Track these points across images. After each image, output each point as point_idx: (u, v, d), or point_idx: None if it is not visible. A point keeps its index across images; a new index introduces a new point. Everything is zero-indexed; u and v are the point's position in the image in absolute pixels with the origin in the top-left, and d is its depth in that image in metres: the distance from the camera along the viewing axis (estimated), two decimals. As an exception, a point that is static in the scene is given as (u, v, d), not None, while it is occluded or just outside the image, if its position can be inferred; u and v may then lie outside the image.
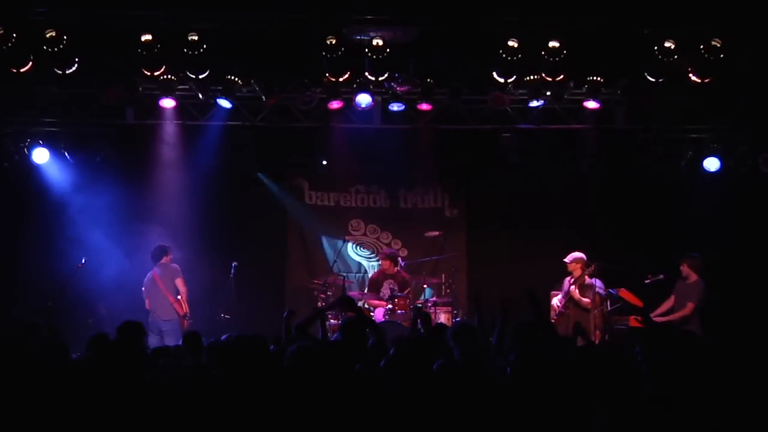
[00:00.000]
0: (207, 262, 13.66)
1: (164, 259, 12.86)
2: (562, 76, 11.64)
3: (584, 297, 12.60)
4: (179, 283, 12.77)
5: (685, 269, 12.41)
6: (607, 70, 11.85)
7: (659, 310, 12.50)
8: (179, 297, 12.71)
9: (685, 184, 13.81)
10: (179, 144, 13.68)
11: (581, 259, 12.76)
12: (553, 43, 11.28)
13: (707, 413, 4.88)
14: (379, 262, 14.26)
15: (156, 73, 11.59)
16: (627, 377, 5.30)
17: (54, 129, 13.33)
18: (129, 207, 13.69)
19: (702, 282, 12.29)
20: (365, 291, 13.97)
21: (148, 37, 11.16)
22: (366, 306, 13.07)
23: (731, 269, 13.08)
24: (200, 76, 11.69)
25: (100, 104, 12.70)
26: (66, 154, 13.50)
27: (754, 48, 11.44)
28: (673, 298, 12.49)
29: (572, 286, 12.70)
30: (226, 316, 12.89)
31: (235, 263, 13.18)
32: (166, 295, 12.69)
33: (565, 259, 12.84)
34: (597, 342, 12.07)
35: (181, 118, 13.29)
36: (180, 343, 8.91)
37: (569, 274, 12.81)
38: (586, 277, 12.61)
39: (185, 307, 12.72)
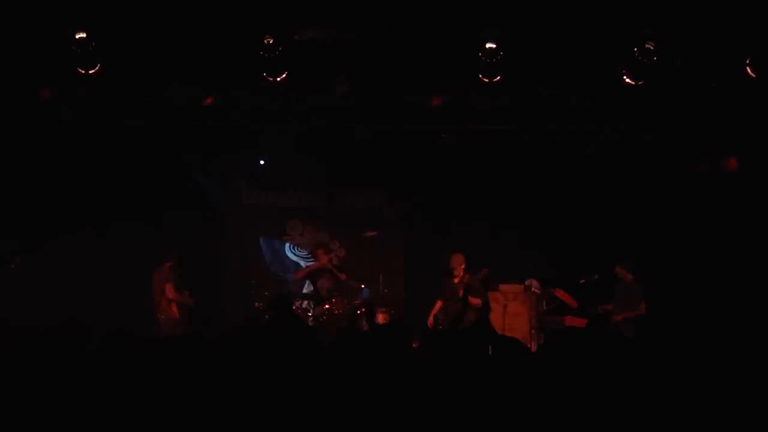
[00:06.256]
0: (143, 262, 13.50)
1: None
2: (499, 78, 11.72)
3: (475, 297, 12.56)
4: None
5: (620, 271, 12.54)
6: (543, 71, 11.97)
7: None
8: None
9: (622, 186, 13.96)
10: (116, 143, 13.52)
11: (461, 260, 12.77)
12: (489, 45, 11.35)
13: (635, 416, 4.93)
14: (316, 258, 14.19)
15: (91, 72, 11.45)
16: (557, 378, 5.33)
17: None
18: (63, 206, 13.49)
19: (639, 281, 12.44)
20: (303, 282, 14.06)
21: (83, 35, 11.03)
22: (304, 306, 13.09)
23: (666, 272, 13.23)
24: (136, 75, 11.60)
25: (34, 102, 12.48)
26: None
27: (688, 51, 11.61)
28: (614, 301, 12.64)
29: (460, 289, 12.63)
30: (161, 317, 12.76)
31: (171, 263, 13.04)
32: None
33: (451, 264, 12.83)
34: (532, 340, 12.25)
35: (117, 116, 13.11)
36: None
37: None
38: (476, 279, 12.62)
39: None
